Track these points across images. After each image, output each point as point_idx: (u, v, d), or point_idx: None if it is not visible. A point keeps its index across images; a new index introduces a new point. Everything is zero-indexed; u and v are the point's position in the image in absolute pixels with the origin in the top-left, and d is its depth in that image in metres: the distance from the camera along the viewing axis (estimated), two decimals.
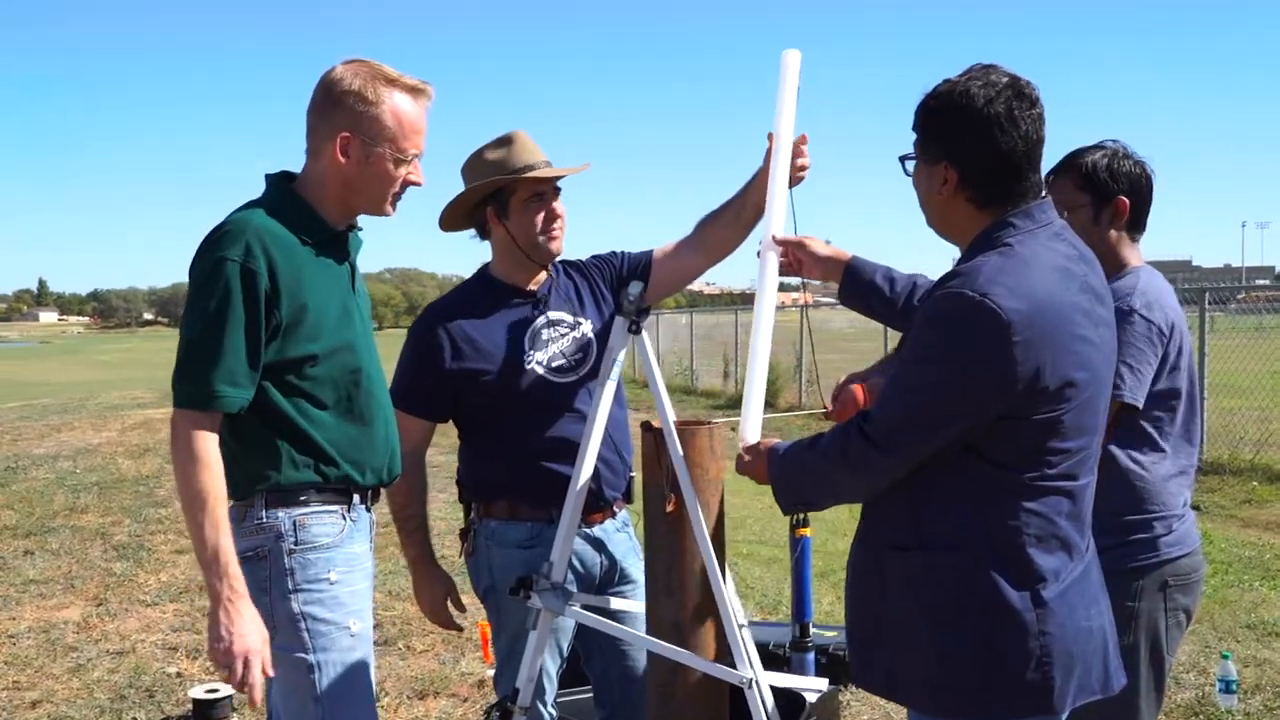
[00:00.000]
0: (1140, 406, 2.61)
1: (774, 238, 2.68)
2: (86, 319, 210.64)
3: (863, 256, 2.67)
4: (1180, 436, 2.76)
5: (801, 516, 4.73)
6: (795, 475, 2.28)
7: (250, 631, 2.26)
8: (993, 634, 2.03)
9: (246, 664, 2.25)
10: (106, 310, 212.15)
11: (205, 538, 2.26)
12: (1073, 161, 2.81)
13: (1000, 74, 2.11)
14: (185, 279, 2.46)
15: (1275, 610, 6.06)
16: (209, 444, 2.30)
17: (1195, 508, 8.71)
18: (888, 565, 2.16)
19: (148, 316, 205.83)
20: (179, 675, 5.39)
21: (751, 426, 2.43)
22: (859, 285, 2.64)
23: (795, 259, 2.68)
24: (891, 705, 4.70)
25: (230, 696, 4.84)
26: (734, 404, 18.74)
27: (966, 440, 2.02)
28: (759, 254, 2.68)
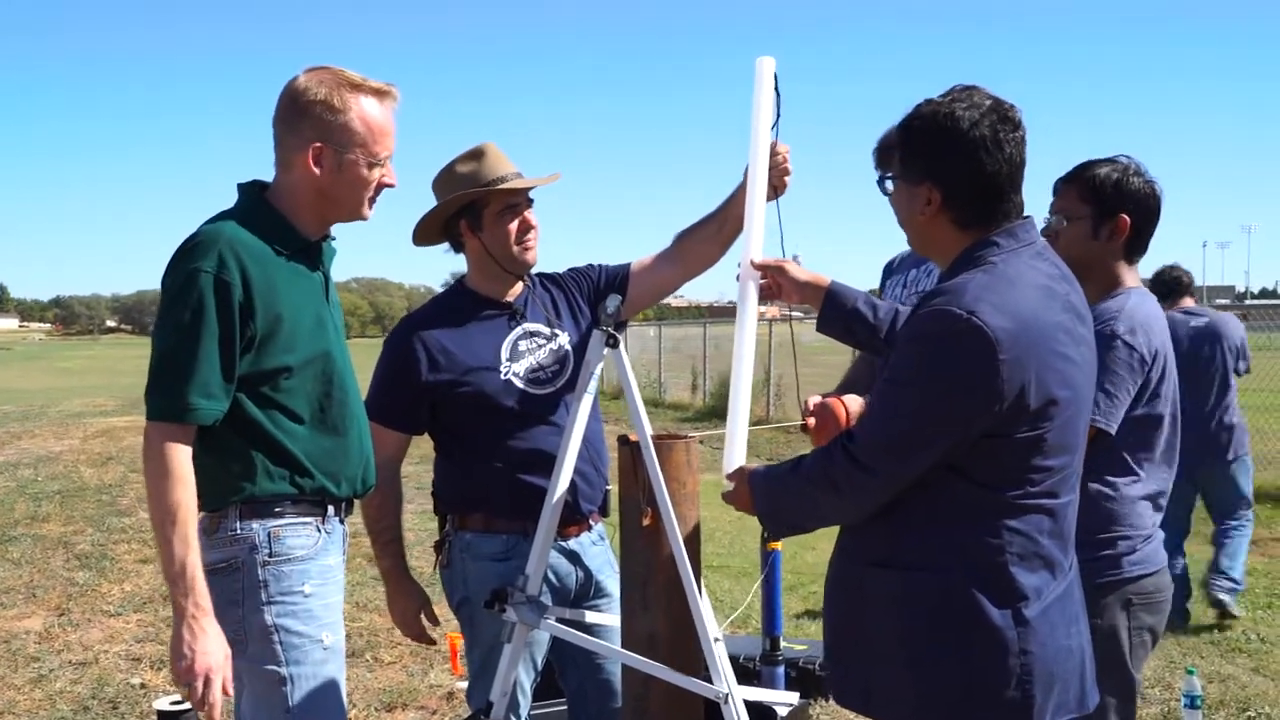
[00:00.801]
0: (1113, 433, 2.60)
1: (752, 262, 2.65)
2: (48, 325, 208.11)
3: (841, 282, 2.64)
4: (1160, 461, 2.76)
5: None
6: (780, 500, 2.26)
7: (212, 650, 2.24)
8: (973, 652, 2.03)
9: (207, 682, 2.23)
10: (69, 317, 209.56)
11: (174, 553, 2.24)
12: (1082, 172, 2.79)
13: (983, 96, 2.12)
14: (149, 286, 2.49)
15: (1238, 626, 6.12)
16: (182, 457, 2.28)
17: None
18: (868, 582, 2.15)
19: (110, 324, 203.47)
20: (143, 686, 5.33)
21: (736, 455, 2.45)
22: (839, 312, 2.60)
23: (775, 283, 2.65)
24: None
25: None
26: (702, 416, 18.80)
27: (950, 459, 2.02)
28: (738, 278, 2.66)
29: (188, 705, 4.74)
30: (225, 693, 2.27)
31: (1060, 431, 2.05)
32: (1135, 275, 2.83)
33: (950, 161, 2.10)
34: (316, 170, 2.46)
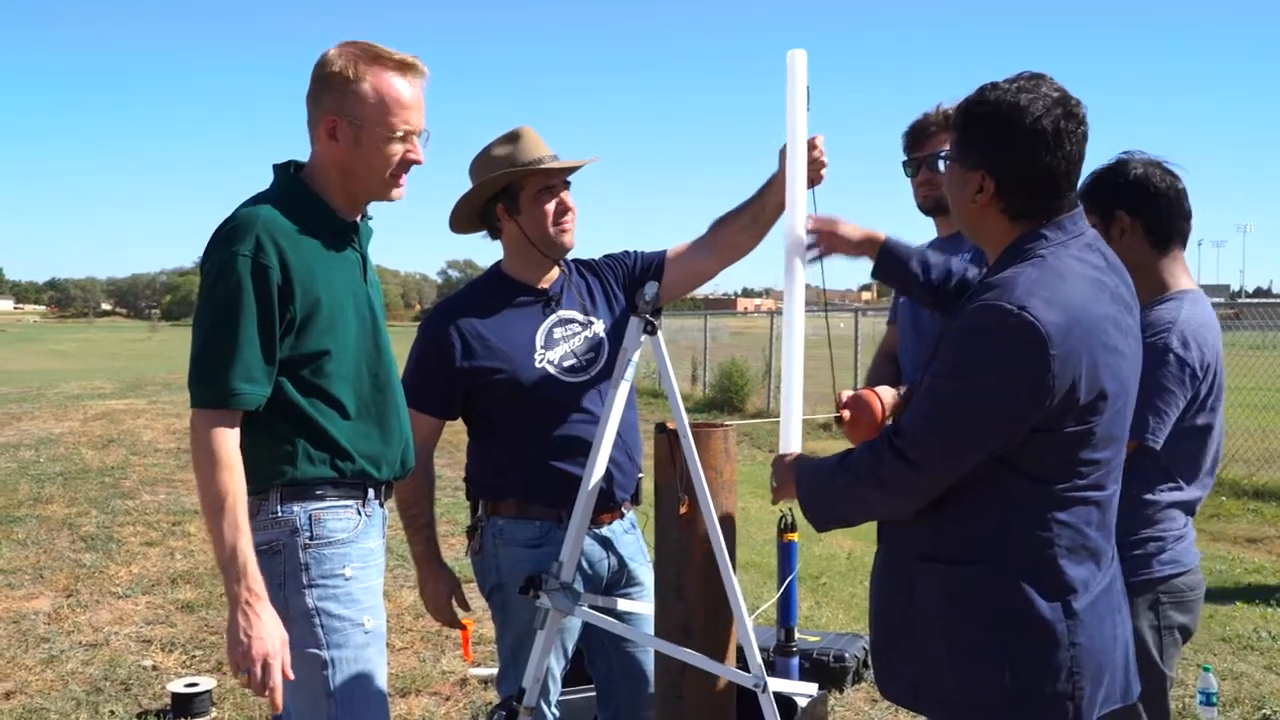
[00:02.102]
0: (1159, 449, 2.57)
1: (809, 218, 2.64)
2: (43, 308, 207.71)
3: (896, 239, 2.61)
4: (1204, 472, 2.73)
5: (789, 521, 4.74)
6: (827, 495, 2.24)
7: (269, 634, 2.23)
8: (1024, 646, 2.03)
9: (265, 667, 2.22)
10: (64, 299, 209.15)
11: (224, 539, 2.23)
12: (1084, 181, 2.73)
13: (1051, 87, 2.07)
14: (144, 270, 2.46)
15: (1249, 624, 6.14)
16: (228, 443, 2.27)
17: None
18: (916, 577, 2.14)
19: (105, 307, 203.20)
20: (155, 668, 5.33)
21: (791, 441, 2.45)
22: (895, 262, 2.57)
23: (828, 241, 2.63)
24: (875, 711, 4.72)
25: (210, 691, 4.78)
26: (702, 407, 18.81)
27: (998, 452, 2.01)
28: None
29: (202, 688, 4.75)
30: (286, 676, 2.27)
31: (1108, 424, 2.04)
32: (1181, 269, 2.74)
33: (1009, 152, 2.06)
34: (333, 144, 2.44)
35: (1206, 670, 4.58)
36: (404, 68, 2.46)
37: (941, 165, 2.23)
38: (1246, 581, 7.19)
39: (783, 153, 2.90)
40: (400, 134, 2.45)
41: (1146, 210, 2.70)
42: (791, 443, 2.47)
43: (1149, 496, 2.62)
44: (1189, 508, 2.73)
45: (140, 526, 8.61)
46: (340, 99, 2.41)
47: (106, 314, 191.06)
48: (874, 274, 2.65)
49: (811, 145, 2.81)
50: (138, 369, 31.33)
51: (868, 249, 2.60)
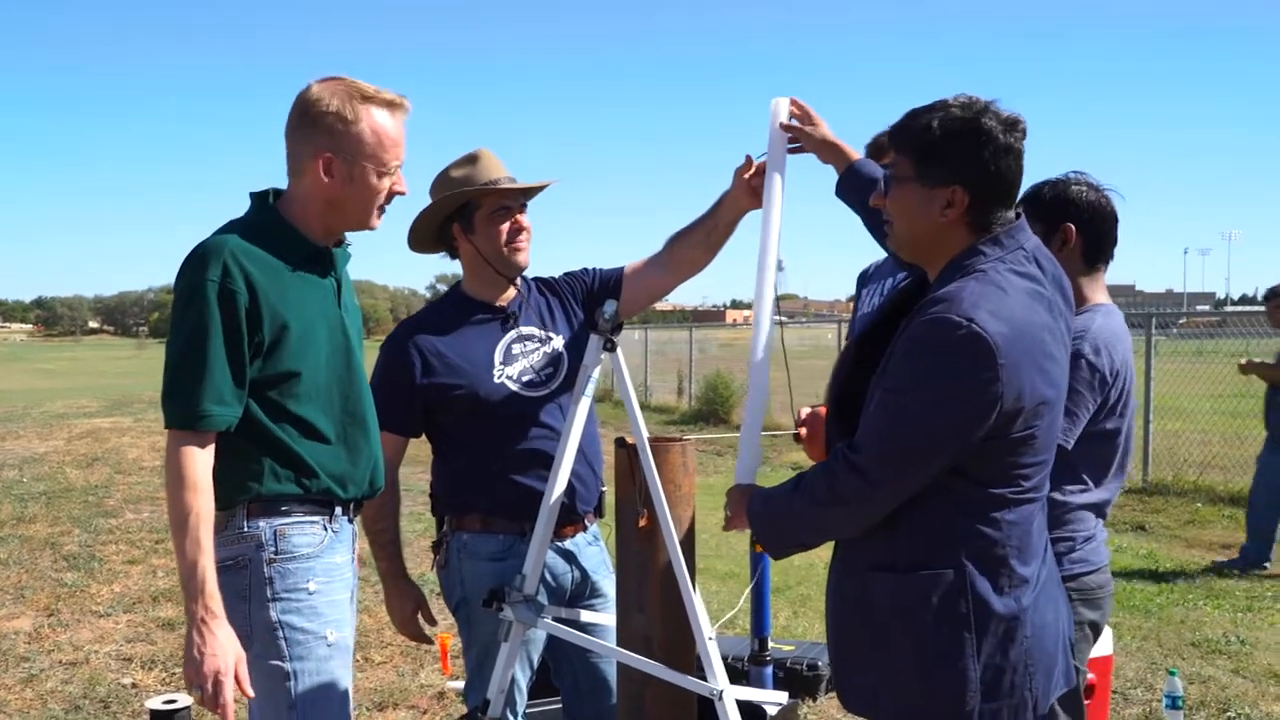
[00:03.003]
0: (1070, 448, 2.66)
1: (785, 116, 2.83)
2: (29, 326, 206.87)
3: (868, 161, 2.74)
4: (1113, 475, 2.84)
5: None
6: (783, 522, 2.30)
7: (222, 652, 2.27)
8: (986, 642, 2.09)
9: (217, 684, 2.26)
10: (51, 318, 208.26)
11: (185, 556, 2.28)
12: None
13: (994, 104, 2.15)
14: (131, 288, 2.51)
15: (1218, 628, 6.21)
16: (197, 464, 2.32)
17: (1140, 527, 8.82)
18: (871, 586, 2.19)
19: (93, 325, 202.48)
20: (134, 686, 5.35)
21: (747, 470, 2.53)
22: (859, 181, 2.72)
23: (800, 134, 2.82)
24: (849, 719, 4.76)
25: (188, 708, 4.80)
26: (688, 419, 18.86)
27: (952, 462, 2.07)
28: (757, 277, 2.72)
29: (181, 705, 4.77)
30: (244, 693, 2.31)
31: (1048, 429, 2.12)
32: (1100, 287, 2.90)
33: (982, 164, 2.12)
34: (327, 179, 2.50)
35: (1173, 674, 4.65)
36: (392, 106, 2.55)
37: (889, 188, 2.27)
38: (1219, 587, 7.26)
39: (738, 171, 2.97)
40: (391, 170, 2.54)
41: (1092, 230, 2.84)
42: (745, 474, 2.54)
43: (1058, 497, 2.69)
44: (1099, 509, 2.83)
45: (123, 545, 8.62)
46: (336, 138, 2.48)
47: (94, 332, 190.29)
48: (837, 191, 2.74)
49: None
50: (124, 387, 31.27)
51: (835, 158, 2.73)
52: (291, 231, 2.53)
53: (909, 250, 2.31)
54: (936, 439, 2.04)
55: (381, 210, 2.60)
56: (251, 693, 2.34)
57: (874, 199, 3.13)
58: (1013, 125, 2.14)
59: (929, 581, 2.11)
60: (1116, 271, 2.95)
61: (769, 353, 2.67)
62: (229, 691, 2.28)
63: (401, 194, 2.61)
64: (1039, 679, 2.13)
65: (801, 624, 6.38)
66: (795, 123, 2.87)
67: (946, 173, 2.15)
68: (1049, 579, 2.21)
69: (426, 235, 3.12)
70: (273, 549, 2.44)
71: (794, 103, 2.87)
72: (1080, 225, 2.82)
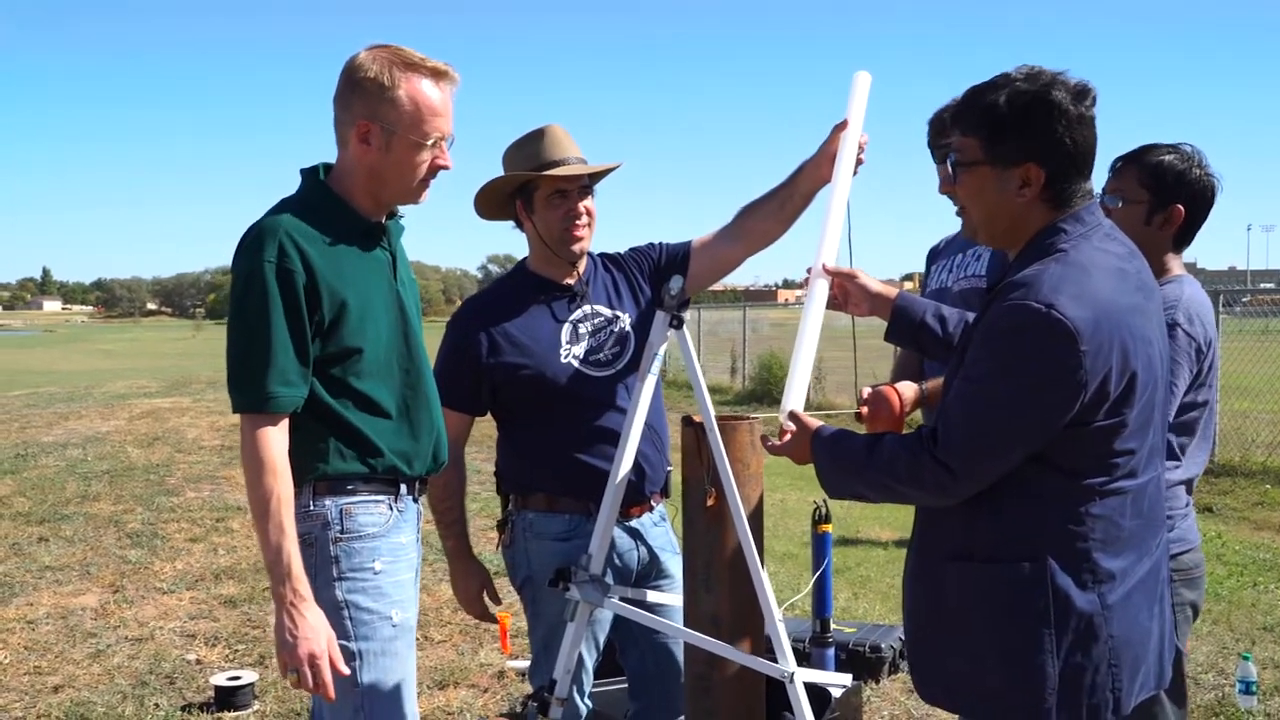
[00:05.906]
0: (1169, 421, 2.59)
1: (824, 267, 2.63)
2: (90, 308, 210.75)
3: (910, 294, 2.61)
4: (1198, 447, 2.79)
5: (823, 513, 4.76)
6: (851, 476, 2.22)
7: (314, 634, 2.27)
8: (1066, 639, 2.02)
9: (314, 666, 2.26)
10: (110, 300, 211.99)
11: (269, 540, 2.27)
12: (1144, 156, 2.78)
13: (1061, 74, 2.07)
14: (189, 269, 2.48)
15: None
16: (271, 446, 2.31)
17: (1207, 509, 8.69)
18: (948, 576, 2.13)
19: (151, 306, 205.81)
20: (198, 662, 5.41)
21: (794, 399, 2.42)
22: (908, 325, 2.57)
23: (843, 290, 2.61)
24: (912, 702, 4.71)
25: (252, 684, 4.85)
26: (742, 400, 18.79)
27: (1036, 451, 2.00)
28: (807, 278, 2.64)
29: (245, 681, 4.82)
30: (338, 672, 2.30)
31: (1141, 413, 2.02)
32: (1181, 264, 2.86)
33: (1057, 139, 2.04)
34: (364, 147, 2.46)
35: (1246, 659, 4.55)
36: (437, 75, 2.48)
37: (958, 173, 2.19)
38: None
39: (838, 127, 2.89)
40: (431, 141, 2.48)
41: (1195, 214, 2.81)
42: (794, 400, 2.42)
43: None
44: (1189, 486, 2.79)
45: (184, 523, 8.73)
46: (374, 105, 2.43)
47: (152, 313, 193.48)
48: (887, 336, 2.64)
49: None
50: (183, 367, 31.73)
51: (880, 305, 2.59)
52: (342, 206, 2.50)
53: (986, 235, 2.24)
54: (1020, 430, 1.98)
55: (425, 183, 2.54)
56: (346, 671, 2.33)
57: (942, 186, 3.07)
58: (1083, 94, 2.06)
59: (1007, 573, 2.05)
60: None
61: (815, 342, 2.57)
62: (327, 672, 2.28)
63: (445, 168, 2.54)
64: (1124, 679, 2.04)
65: (862, 605, 6.31)
66: (832, 292, 2.64)
67: (1019, 151, 2.07)
68: (1151, 574, 2.11)
69: (492, 205, 3.08)
70: (339, 528, 2.42)
71: (830, 271, 2.63)
72: (1190, 209, 2.78)
